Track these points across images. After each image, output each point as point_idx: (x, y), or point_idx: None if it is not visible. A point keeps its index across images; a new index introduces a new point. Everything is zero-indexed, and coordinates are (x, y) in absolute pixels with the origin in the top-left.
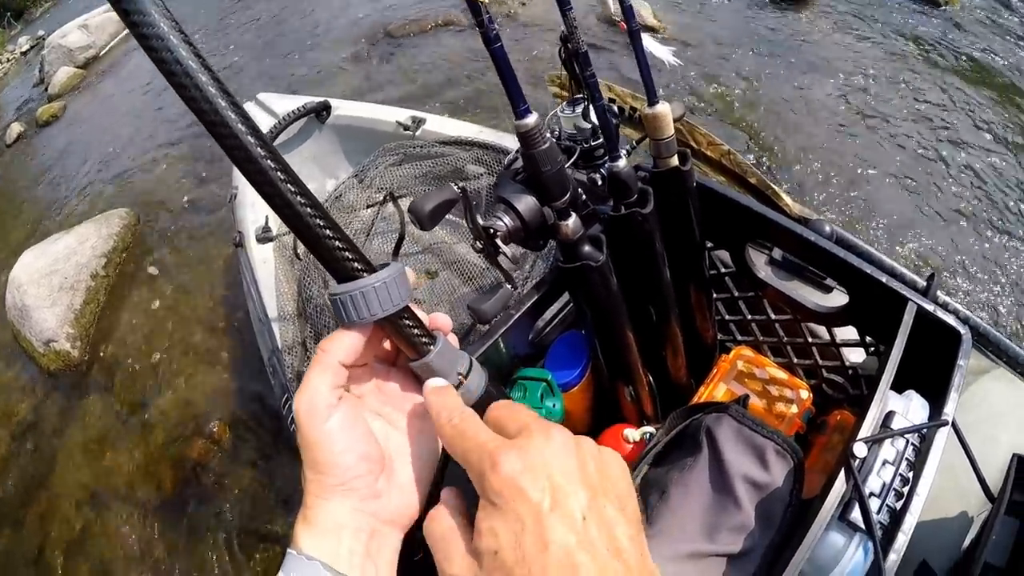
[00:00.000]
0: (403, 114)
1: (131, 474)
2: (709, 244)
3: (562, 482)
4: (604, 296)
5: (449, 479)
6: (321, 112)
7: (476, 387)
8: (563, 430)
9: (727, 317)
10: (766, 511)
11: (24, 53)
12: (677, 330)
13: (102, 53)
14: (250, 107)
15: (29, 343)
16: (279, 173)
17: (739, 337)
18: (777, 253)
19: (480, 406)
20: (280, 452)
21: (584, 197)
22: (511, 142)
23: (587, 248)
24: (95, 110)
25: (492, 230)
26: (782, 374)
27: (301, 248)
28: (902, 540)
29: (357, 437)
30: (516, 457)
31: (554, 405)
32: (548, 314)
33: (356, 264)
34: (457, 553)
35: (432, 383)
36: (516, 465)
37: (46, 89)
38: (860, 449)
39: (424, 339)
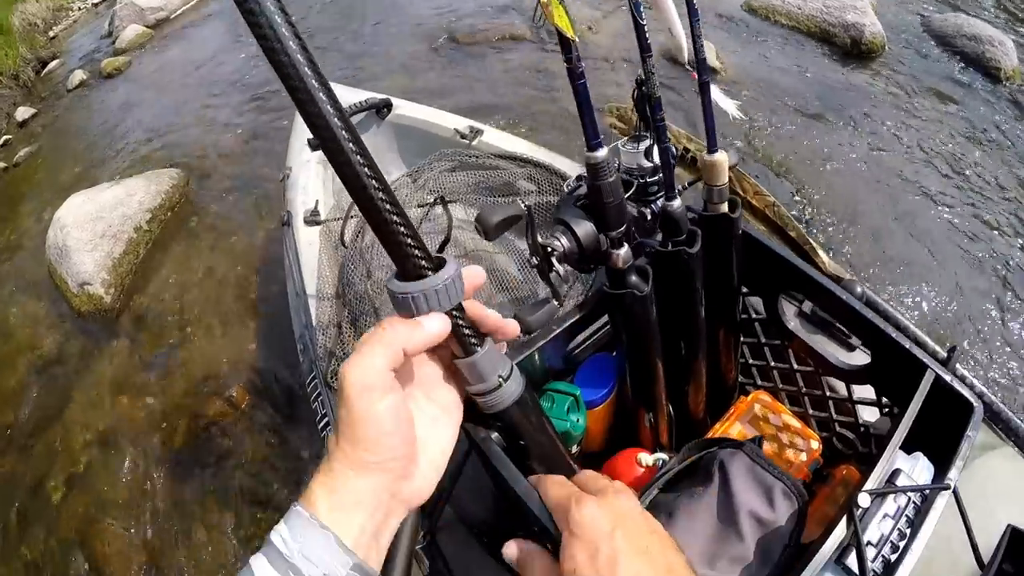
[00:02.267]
0: (462, 122)
1: (143, 422)
2: (744, 289)
3: (631, 525)
4: (643, 325)
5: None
6: (382, 109)
7: (514, 391)
8: (629, 494)
9: (751, 361)
10: (766, 548)
11: (95, 4)
12: (702, 367)
13: (172, 16)
14: None
15: (64, 282)
16: (365, 169)
17: (759, 382)
18: (807, 306)
19: (516, 408)
20: (295, 428)
21: (633, 229)
22: (564, 164)
23: (634, 278)
24: (158, 70)
25: (550, 249)
26: (796, 423)
27: (347, 235)
28: None
29: (404, 420)
30: (595, 503)
31: (578, 420)
32: (583, 335)
33: (424, 263)
34: (539, 572)
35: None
36: (593, 505)
37: (113, 43)
38: (864, 499)
39: (473, 340)
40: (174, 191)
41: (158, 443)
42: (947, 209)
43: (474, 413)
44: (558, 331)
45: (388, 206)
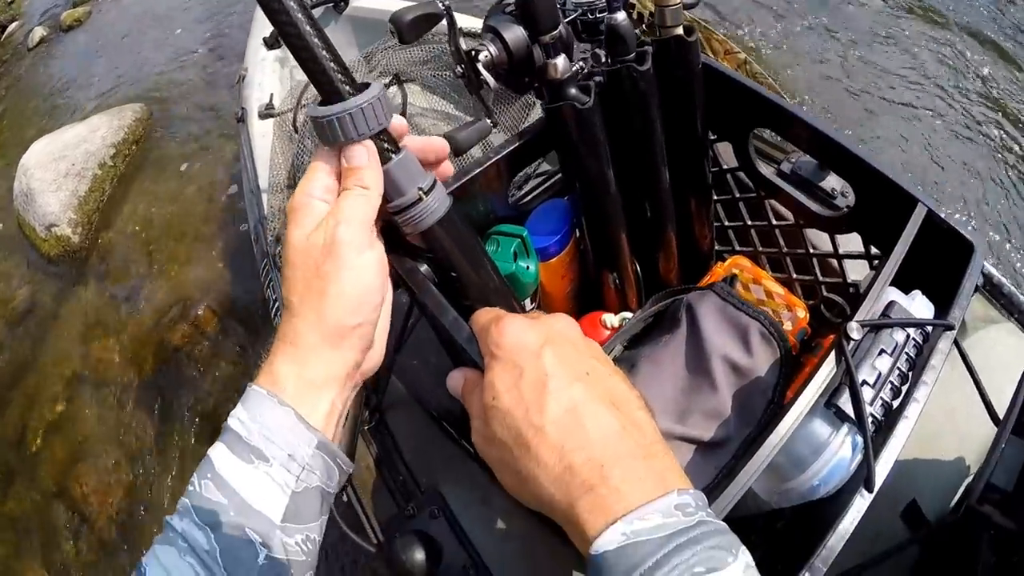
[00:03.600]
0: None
1: (115, 360)
2: (712, 136)
3: (566, 345)
4: (590, 151)
5: None
6: (339, 2)
7: (436, 207)
8: (567, 317)
9: (726, 223)
10: (745, 401)
11: None
12: (672, 234)
13: None
14: None
15: (32, 229)
16: None
17: (737, 247)
18: (786, 167)
19: (442, 228)
20: (262, 342)
21: (585, 61)
22: None
23: (574, 90)
24: (120, 17)
25: (474, 52)
26: (779, 289)
27: (299, 121)
28: (895, 445)
29: (385, 275)
30: (522, 320)
31: (528, 267)
32: (533, 182)
33: (346, 84)
34: (475, 406)
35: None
36: (518, 322)
37: None
38: (855, 331)
39: (387, 146)
40: (137, 124)
41: (130, 378)
42: (935, 103)
43: (401, 245)
44: (496, 159)
45: (308, 27)
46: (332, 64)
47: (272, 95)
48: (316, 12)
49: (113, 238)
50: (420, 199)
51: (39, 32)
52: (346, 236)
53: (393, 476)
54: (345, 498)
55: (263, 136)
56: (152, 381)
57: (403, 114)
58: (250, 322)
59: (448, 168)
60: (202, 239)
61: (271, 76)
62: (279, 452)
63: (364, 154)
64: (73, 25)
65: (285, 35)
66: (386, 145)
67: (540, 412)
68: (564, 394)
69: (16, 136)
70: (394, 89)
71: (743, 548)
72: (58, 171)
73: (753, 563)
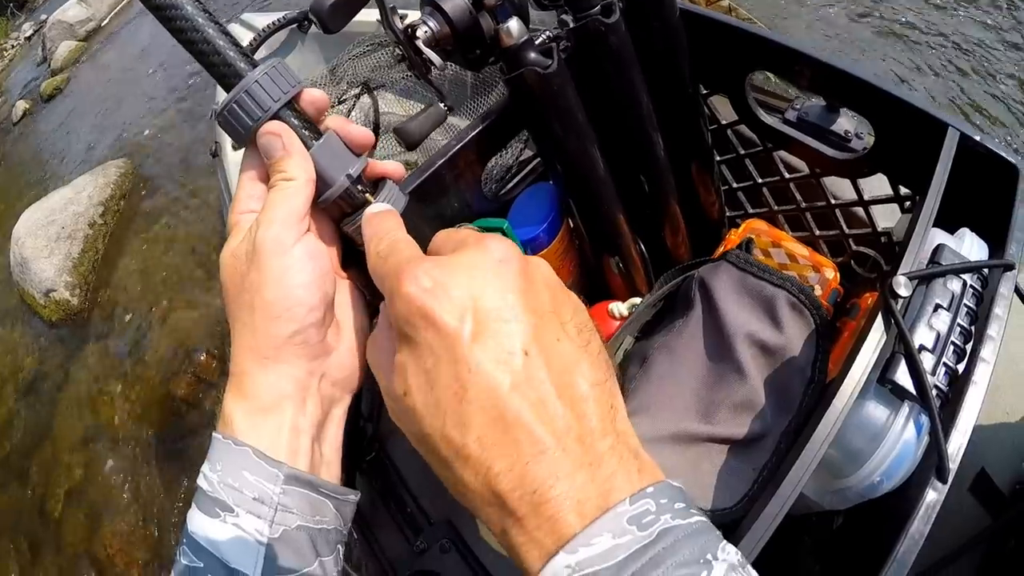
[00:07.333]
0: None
1: (126, 416)
2: (704, 90)
3: (493, 305)
4: (565, 123)
5: None
6: (303, 23)
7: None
8: (507, 242)
9: (735, 185)
10: (780, 386)
11: (28, 38)
12: (675, 205)
13: (103, 24)
14: (234, 28)
15: (31, 297)
16: None
17: (750, 210)
18: (791, 114)
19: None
20: None
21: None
22: None
23: (534, 55)
24: (97, 78)
25: (410, 29)
26: (803, 250)
27: None
28: (967, 419)
29: (321, 272)
30: (426, 273)
31: None
32: (511, 170)
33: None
34: (382, 382)
35: (373, 208)
36: (424, 282)
37: (49, 65)
38: (903, 285)
39: (306, 132)
40: (123, 179)
41: (142, 434)
42: (940, 37)
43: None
44: (458, 147)
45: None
46: (222, 41)
47: None
48: (281, 37)
49: (111, 295)
50: (367, 202)
51: (22, 106)
52: (266, 237)
53: (400, 509)
54: (355, 536)
55: (238, 166)
56: (163, 433)
57: (376, 124)
58: None
59: (399, 169)
60: (198, 283)
61: None
62: (244, 498)
63: (276, 141)
64: (53, 94)
65: (163, 18)
66: (305, 131)
67: (459, 425)
68: (490, 397)
69: (10, 209)
70: (365, 99)
71: (723, 547)
72: (48, 236)
73: (739, 560)
